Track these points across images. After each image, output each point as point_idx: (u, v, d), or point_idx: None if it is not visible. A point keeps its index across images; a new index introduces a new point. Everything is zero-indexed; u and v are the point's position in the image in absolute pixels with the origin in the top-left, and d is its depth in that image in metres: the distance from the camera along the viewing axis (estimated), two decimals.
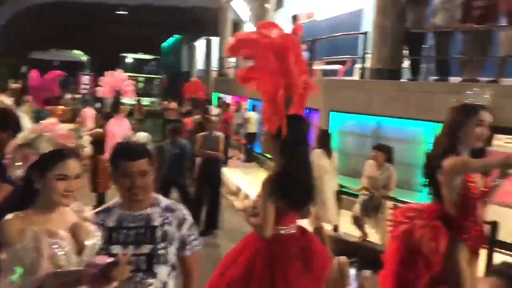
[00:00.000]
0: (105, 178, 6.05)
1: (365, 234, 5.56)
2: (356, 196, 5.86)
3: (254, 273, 2.57)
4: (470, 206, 2.58)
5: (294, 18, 11.14)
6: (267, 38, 2.65)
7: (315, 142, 5.35)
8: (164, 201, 2.01)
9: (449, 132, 2.62)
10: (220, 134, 6.34)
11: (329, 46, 11.11)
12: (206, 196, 6.30)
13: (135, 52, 25.82)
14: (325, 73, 10.43)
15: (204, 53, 24.12)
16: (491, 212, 5.06)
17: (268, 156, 10.70)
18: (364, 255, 5.27)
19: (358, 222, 5.55)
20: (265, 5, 12.39)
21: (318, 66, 10.82)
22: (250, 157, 11.38)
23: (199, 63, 26.65)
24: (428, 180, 2.73)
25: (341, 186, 5.98)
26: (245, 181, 9.04)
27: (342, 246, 5.56)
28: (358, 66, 9.00)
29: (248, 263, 2.62)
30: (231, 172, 9.74)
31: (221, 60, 17.59)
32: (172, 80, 28.38)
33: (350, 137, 7.93)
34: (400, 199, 5.68)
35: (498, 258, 4.82)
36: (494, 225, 4.45)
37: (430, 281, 2.54)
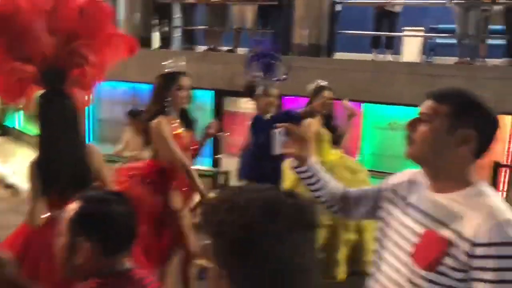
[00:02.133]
0: None
1: None
2: (115, 161, 6.04)
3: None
4: None
5: None
6: None
7: None
8: None
9: (156, 97, 3.01)
10: None
11: None
12: None
13: None
14: None
15: None
16: (225, 163, 6.01)
17: (23, 129, 9.87)
18: None
19: None
20: None
21: None
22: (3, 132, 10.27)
23: None
24: (146, 140, 3.07)
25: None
26: None
27: None
28: None
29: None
30: None
31: None
32: None
33: (110, 104, 7.96)
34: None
35: None
36: (226, 173, 5.28)
37: (154, 228, 2.92)
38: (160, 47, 7.56)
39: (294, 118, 3.42)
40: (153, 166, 3.02)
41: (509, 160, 5.38)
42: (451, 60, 6.12)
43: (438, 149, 1.24)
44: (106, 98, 7.86)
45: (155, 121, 2.90)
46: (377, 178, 4.94)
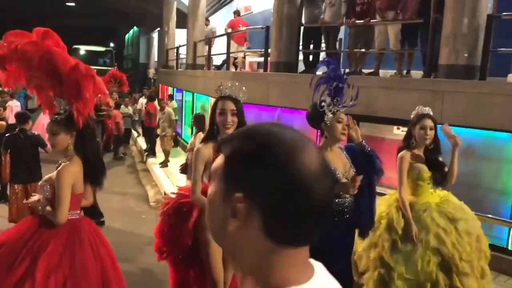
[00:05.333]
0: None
1: None
2: None
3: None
4: None
5: (236, 12, 11.81)
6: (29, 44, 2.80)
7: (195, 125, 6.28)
8: None
9: (210, 121, 2.95)
10: None
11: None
12: None
13: (90, 44, 25.56)
14: (259, 64, 10.87)
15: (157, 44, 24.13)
16: None
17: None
18: None
19: None
20: None
21: (253, 58, 11.35)
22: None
23: (156, 55, 26.60)
24: None
25: None
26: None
27: None
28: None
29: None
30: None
31: (165, 51, 17.69)
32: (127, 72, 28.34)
33: None
34: None
35: None
36: None
37: (184, 252, 2.95)
38: (304, 71, 7.57)
39: (366, 154, 2.98)
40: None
41: None
42: None
43: (217, 226, 0.82)
44: (251, 121, 8.22)
45: (198, 146, 2.91)
46: None
